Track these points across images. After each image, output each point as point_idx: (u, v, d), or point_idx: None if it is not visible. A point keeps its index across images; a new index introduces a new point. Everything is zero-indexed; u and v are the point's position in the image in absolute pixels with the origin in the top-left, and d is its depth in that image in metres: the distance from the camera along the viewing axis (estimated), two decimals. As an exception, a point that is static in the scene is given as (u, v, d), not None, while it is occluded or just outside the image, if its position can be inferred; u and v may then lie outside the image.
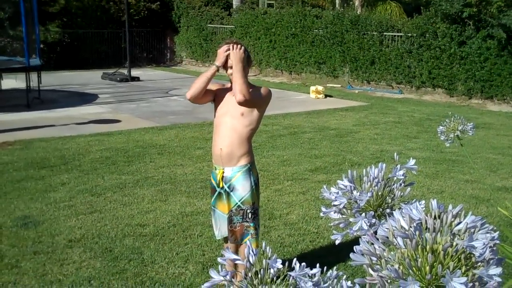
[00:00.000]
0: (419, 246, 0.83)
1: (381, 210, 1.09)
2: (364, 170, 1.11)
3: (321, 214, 1.16)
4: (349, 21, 16.85)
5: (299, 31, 18.26)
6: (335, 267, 1.09)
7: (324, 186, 1.15)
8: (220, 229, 4.06)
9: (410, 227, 0.86)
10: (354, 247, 0.88)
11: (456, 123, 2.81)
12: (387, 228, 0.88)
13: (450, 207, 0.88)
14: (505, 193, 6.70)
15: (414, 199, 1.01)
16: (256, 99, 3.85)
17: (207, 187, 6.73)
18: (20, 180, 6.80)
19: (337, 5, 21.37)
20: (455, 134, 2.80)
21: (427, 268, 0.81)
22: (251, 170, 3.92)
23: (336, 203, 1.09)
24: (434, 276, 0.80)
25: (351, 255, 0.88)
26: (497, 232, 0.86)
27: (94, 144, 8.76)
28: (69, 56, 20.41)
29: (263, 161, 7.87)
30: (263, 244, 0.99)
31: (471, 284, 0.80)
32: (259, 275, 0.90)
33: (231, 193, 3.89)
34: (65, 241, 5.04)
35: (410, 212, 0.88)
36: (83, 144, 8.74)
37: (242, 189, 3.87)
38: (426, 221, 0.86)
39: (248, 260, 0.92)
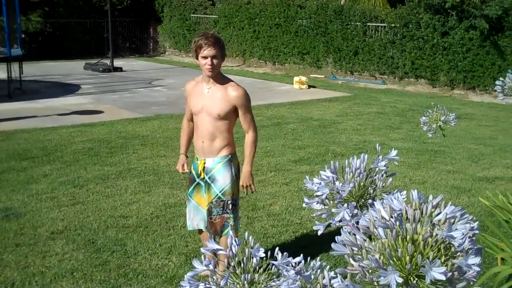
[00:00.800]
0: (400, 236, 0.84)
1: (363, 200, 1.10)
2: (346, 161, 1.11)
3: (304, 205, 1.17)
4: (333, 12, 16.84)
5: (283, 21, 18.24)
6: (318, 257, 1.10)
7: (307, 177, 1.15)
8: (193, 220, 4.10)
9: (391, 217, 0.86)
10: (336, 237, 0.89)
11: (438, 113, 2.83)
12: (368, 219, 0.89)
13: (430, 197, 0.88)
14: (486, 183, 6.76)
15: (396, 190, 1.02)
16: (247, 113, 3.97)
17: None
18: (2, 172, 6.74)
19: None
20: (438, 124, 2.82)
21: (407, 258, 0.81)
22: (232, 161, 3.95)
23: (318, 193, 1.09)
24: (414, 266, 0.81)
25: (333, 245, 0.89)
26: (477, 222, 0.87)
27: (76, 135, 8.70)
28: (51, 46, 20.19)
29: (246, 152, 7.87)
30: (246, 234, 0.99)
31: (451, 273, 0.81)
32: (242, 265, 0.91)
33: (212, 184, 3.90)
34: (47, 233, 5.01)
35: (391, 202, 0.88)
36: (66, 135, 8.67)
37: (222, 180, 3.90)
38: (406, 211, 0.86)
39: (231, 250, 0.92)
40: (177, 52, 22.31)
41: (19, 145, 8.01)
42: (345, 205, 1.06)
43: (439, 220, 0.84)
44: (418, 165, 7.46)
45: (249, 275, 0.89)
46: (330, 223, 1.08)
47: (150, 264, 4.48)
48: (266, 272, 0.91)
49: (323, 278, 0.96)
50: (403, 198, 0.92)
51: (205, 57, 3.78)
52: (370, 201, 1.09)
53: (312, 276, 0.99)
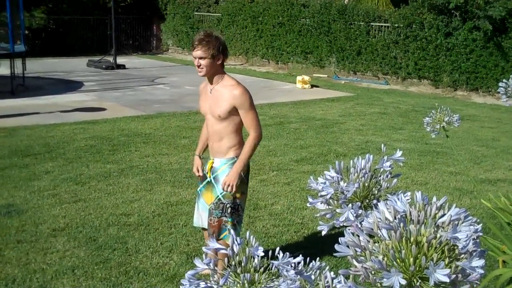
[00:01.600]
0: (403, 238, 0.83)
1: (367, 201, 1.09)
2: (351, 161, 1.11)
3: (308, 205, 1.16)
4: (336, 11, 16.83)
5: (286, 20, 18.22)
6: (317, 258, 1.09)
7: (311, 177, 1.15)
8: (200, 217, 4.07)
9: (395, 218, 0.86)
10: (339, 238, 0.89)
11: (442, 114, 2.82)
12: (371, 220, 0.88)
13: (434, 199, 0.88)
14: (488, 185, 6.75)
15: (400, 191, 1.02)
16: (249, 113, 3.86)
17: (192, 176, 6.70)
18: (4, 168, 6.74)
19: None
20: (441, 125, 2.82)
21: (411, 259, 0.81)
22: None
23: (323, 193, 1.09)
24: (417, 268, 0.81)
25: (336, 246, 0.88)
26: (480, 224, 0.86)
27: (79, 132, 8.70)
28: (54, 42, 20.20)
29: (248, 151, 7.88)
30: (247, 234, 0.99)
31: (454, 275, 0.80)
32: (242, 264, 0.91)
33: (215, 185, 3.90)
34: (48, 230, 5.01)
35: (395, 204, 0.88)
36: (68, 132, 8.68)
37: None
38: (410, 213, 0.86)
39: (232, 249, 0.92)
40: (180, 50, 22.30)
41: (21, 141, 8.01)
42: (350, 205, 1.06)
43: (443, 222, 0.84)
44: (420, 166, 7.45)
45: (249, 274, 0.89)
46: (334, 223, 1.08)
47: (151, 262, 4.48)
48: (266, 272, 0.91)
49: (325, 278, 0.96)
50: (407, 200, 0.92)
51: (194, 58, 3.79)
52: (374, 201, 1.09)
53: (313, 277, 0.99)
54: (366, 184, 1.10)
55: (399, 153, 1.16)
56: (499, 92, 2.75)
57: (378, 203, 0.91)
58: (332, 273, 1.01)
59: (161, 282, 4.18)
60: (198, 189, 4.12)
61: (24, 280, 4.13)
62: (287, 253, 0.92)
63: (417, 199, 0.88)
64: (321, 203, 1.11)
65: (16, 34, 13.10)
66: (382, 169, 1.12)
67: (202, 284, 0.91)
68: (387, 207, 0.88)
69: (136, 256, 4.57)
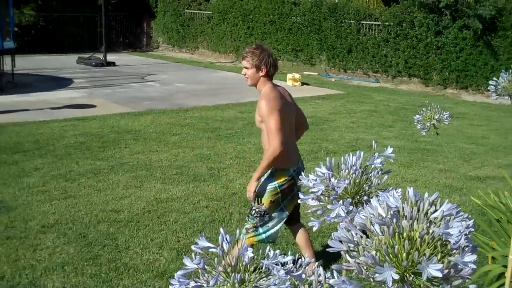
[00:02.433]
0: (396, 233, 0.84)
1: (358, 197, 1.10)
2: (342, 158, 1.11)
3: (299, 201, 1.17)
4: (327, 9, 16.84)
5: (277, 18, 18.21)
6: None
7: (302, 173, 1.15)
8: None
9: (387, 214, 0.86)
10: (332, 233, 0.89)
11: (432, 112, 2.83)
12: (364, 216, 0.88)
13: (426, 195, 0.89)
14: (478, 182, 6.79)
15: (391, 188, 1.02)
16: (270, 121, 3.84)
17: (182, 173, 6.71)
18: (-7, 165, 6.70)
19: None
20: (432, 123, 2.83)
21: (404, 255, 0.81)
22: (275, 175, 3.93)
23: (314, 190, 1.09)
24: (410, 263, 0.81)
25: (329, 241, 0.89)
26: (472, 220, 0.87)
27: (68, 129, 8.67)
28: (44, 39, 20.07)
29: (239, 148, 7.87)
30: (237, 232, 0.99)
31: (447, 270, 0.81)
32: (233, 263, 0.90)
33: None
34: (38, 227, 4.99)
35: (387, 199, 0.88)
36: (58, 129, 8.64)
37: (260, 187, 3.94)
38: (403, 208, 0.86)
39: (222, 248, 0.92)
40: (171, 48, 22.23)
41: (10, 138, 7.97)
42: (340, 201, 1.06)
43: (436, 218, 0.84)
44: (410, 164, 7.48)
45: (239, 274, 0.89)
46: (325, 219, 1.08)
47: (141, 258, 4.48)
48: (257, 271, 0.91)
49: (319, 275, 0.96)
50: (399, 196, 0.92)
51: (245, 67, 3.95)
52: (365, 198, 1.09)
53: (303, 276, 0.99)
54: (357, 181, 1.10)
55: (389, 150, 1.17)
56: (489, 90, 2.76)
57: (371, 199, 0.91)
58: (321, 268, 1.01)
59: (151, 278, 4.18)
60: None
61: (13, 277, 4.11)
62: (277, 251, 0.92)
63: (409, 195, 0.89)
64: (312, 200, 1.11)
65: (6, 31, 13.02)
66: (372, 165, 1.12)
67: (192, 283, 0.91)
68: (379, 203, 0.88)
69: (126, 253, 4.56)
